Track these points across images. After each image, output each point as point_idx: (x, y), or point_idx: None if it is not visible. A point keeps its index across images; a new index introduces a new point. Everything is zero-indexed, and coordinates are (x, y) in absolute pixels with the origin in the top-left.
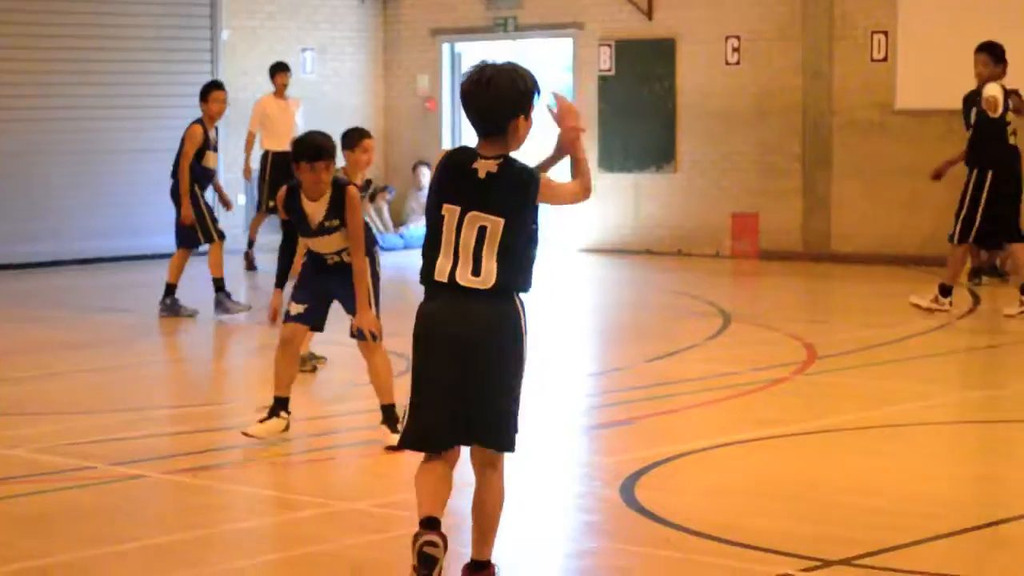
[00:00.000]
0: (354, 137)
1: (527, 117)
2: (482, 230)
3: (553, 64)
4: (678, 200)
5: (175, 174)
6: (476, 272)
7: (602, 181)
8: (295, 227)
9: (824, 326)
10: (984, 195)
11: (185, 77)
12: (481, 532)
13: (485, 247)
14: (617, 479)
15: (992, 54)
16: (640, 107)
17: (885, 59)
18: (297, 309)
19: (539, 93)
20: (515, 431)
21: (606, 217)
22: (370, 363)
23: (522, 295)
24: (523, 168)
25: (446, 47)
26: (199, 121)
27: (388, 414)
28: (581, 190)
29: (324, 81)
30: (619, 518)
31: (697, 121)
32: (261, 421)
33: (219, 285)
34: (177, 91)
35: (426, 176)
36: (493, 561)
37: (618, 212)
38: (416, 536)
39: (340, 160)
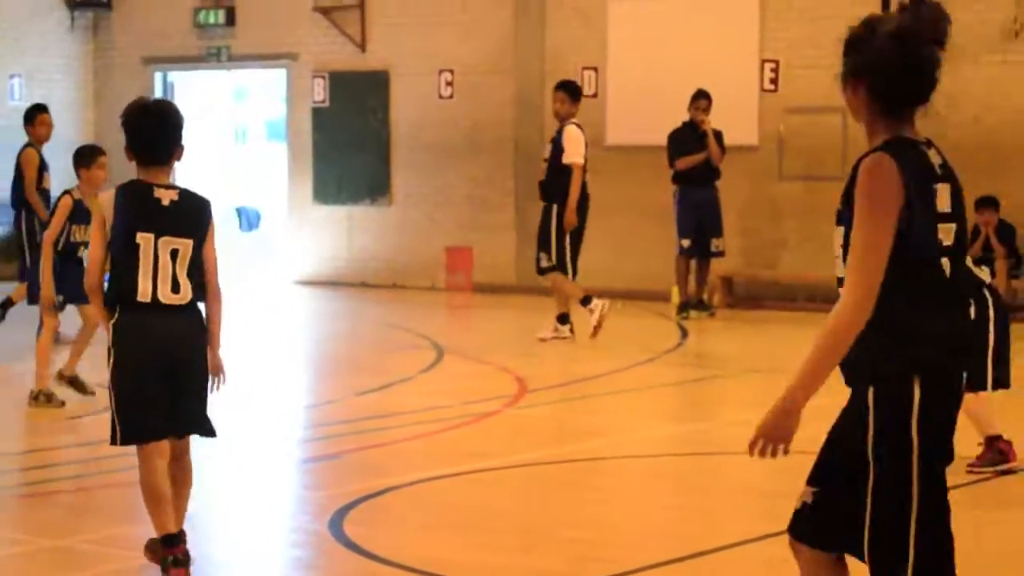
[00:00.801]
0: (88, 154)
1: None
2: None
3: (266, 95)
4: (392, 233)
5: (16, 203)
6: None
7: (316, 213)
8: None
9: (535, 359)
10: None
11: None
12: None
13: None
14: (326, 513)
15: (569, 92)
16: (354, 139)
17: (595, 95)
18: None
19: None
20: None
21: (320, 249)
22: None
23: None
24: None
25: (159, 76)
26: (30, 144)
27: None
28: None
29: None
30: (327, 552)
31: (411, 154)
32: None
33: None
34: None
35: None
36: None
37: (332, 244)
38: None
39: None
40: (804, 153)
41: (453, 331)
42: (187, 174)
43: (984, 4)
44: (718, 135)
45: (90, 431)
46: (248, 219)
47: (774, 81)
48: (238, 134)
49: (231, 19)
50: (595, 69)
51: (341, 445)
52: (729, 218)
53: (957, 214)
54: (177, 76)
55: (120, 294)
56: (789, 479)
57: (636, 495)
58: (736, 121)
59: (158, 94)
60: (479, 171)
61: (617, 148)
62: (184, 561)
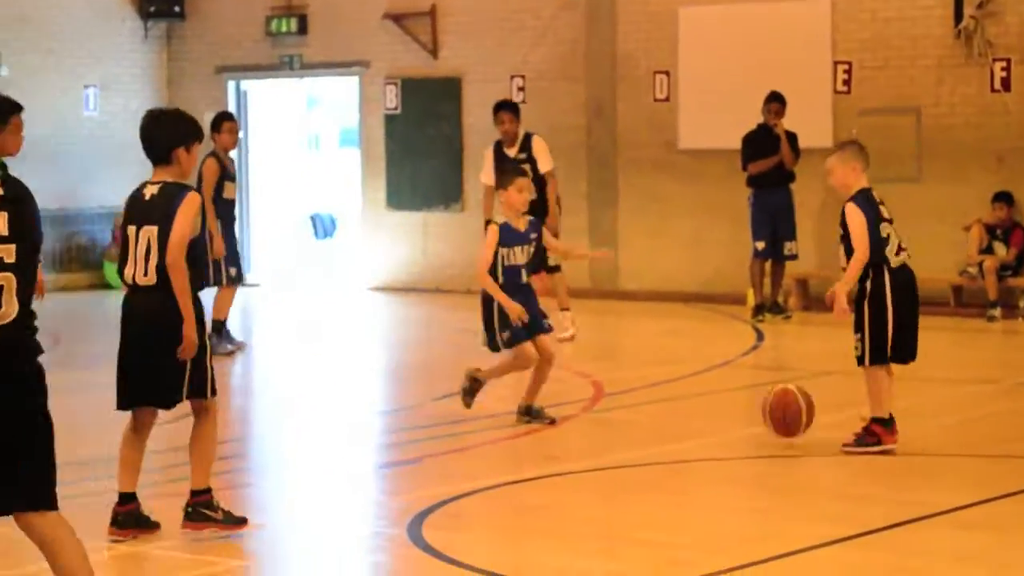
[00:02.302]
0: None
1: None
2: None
3: (339, 102)
4: (466, 238)
5: None
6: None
7: (390, 219)
8: None
9: (611, 363)
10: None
11: None
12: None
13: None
14: (405, 518)
15: (514, 112)
16: (427, 146)
17: (667, 99)
18: None
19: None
20: None
21: (395, 255)
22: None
23: None
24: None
25: (232, 84)
26: (212, 154)
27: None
28: None
29: (111, 118)
30: (406, 558)
31: (483, 160)
32: None
33: (216, 327)
34: None
35: None
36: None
37: (407, 250)
38: None
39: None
40: (877, 154)
41: None
42: (260, 182)
43: None
44: (792, 138)
45: (165, 439)
46: (323, 226)
47: (847, 83)
48: (312, 142)
49: (303, 27)
50: (667, 73)
51: (419, 450)
52: (803, 221)
53: None
54: (250, 84)
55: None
56: (868, 482)
57: (714, 498)
58: (809, 123)
59: (231, 103)
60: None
61: (689, 151)
62: (124, 522)
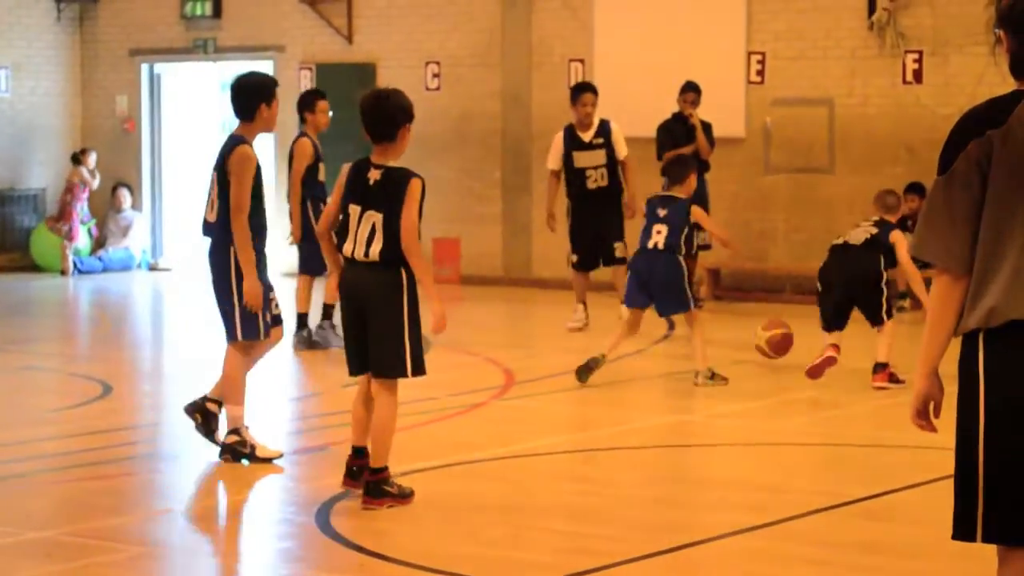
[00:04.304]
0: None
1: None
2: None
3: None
4: None
5: (303, 195)
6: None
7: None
8: None
9: (523, 351)
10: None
11: None
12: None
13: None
14: (313, 505)
15: (596, 94)
16: (341, 131)
17: None
18: None
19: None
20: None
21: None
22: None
23: None
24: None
25: (145, 67)
26: (304, 135)
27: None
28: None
29: (20, 100)
30: (314, 545)
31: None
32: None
33: (302, 321)
34: None
35: (127, 198)
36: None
37: None
38: None
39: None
40: (790, 145)
41: None
42: (174, 167)
43: None
44: (707, 127)
45: (77, 423)
46: None
47: (760, 73)
48: (225, 126)
49: (217, 11)
50: (582, 61)
51: (327, 437)
52: (716, 210)
53: None
54: (163, 68)
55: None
56: (779, 472)
57: (623, 487)
58: (723, 113)
59: (144, 86)
60: (466, 163)
61: None
62: (358, 473)
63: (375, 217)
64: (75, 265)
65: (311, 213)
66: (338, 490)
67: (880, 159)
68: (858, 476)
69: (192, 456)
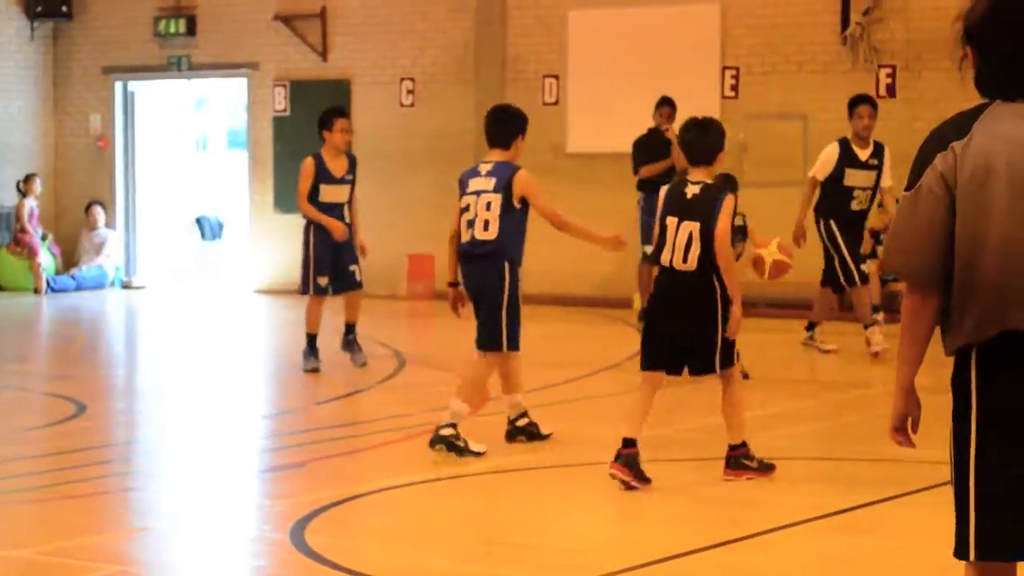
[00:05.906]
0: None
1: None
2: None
3: (227, 104)
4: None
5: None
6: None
7: (277, 222)
8: None
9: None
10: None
11: None
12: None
13: None
14: (287, 522)
15: (875, 107)
16: (316, 148)
17: (556, 103)
18: None
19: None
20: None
21: (282, 258)
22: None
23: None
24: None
25: (119, 85)
26: (315, 154)
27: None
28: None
29: None
30: (288, 563)
31: (372, 162)
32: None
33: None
34: None
35: (101, 216)
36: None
37: (294, 253)
38: None
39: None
40: (764, 159)
41: (414, 339)
42: (147, 184)
43: None
44: None
45: (51, 442)
46: (211, 228)
47: (735, 87)
48: (199, 143)
49: (192, 28)
50: (556, 77)
51: (302, 454)
52: None
53: None
54: (138, 86)
55: None
56: (751, 486)
57: (596, 502)
58: None
59: (118, 104)
60: (440, 179)
61: (578, 155)
62: (620, 458)
63: (692, 227)
64: (48, 283)
65: (311, 234)
66: (314, 507)
67: None
68: (830, 489)
69: (167, 474)
